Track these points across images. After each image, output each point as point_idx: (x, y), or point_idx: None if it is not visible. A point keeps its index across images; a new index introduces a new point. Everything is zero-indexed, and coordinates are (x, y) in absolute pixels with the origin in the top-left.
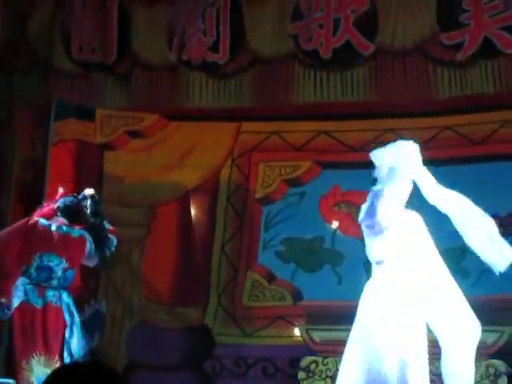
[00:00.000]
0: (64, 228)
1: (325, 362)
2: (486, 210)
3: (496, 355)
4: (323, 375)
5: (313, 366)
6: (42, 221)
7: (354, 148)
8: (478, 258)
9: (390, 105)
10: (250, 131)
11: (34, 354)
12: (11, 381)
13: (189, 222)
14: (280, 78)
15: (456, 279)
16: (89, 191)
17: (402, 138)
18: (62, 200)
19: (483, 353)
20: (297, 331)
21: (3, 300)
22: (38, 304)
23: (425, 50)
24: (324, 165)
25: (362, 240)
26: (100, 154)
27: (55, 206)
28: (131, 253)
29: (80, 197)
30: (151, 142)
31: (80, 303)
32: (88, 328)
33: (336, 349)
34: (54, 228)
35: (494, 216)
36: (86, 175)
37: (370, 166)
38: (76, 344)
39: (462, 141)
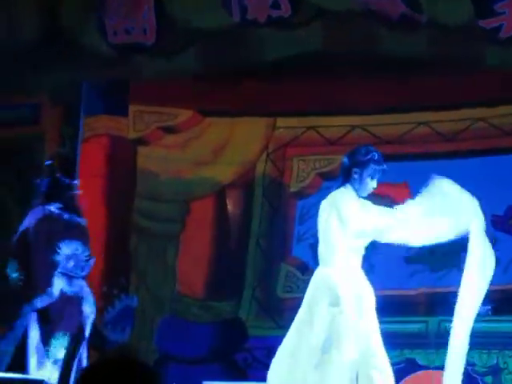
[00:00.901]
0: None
1: None
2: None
3: None
4: None
5: None
6: (53, 209)
7: (388, 141)
8: (508, 245)
9: (423, 98)
10: (285, 126)
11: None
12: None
13: (224, 216)
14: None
15: None
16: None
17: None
18: (41, 187)
19: None
20: None
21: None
22: (69, 293)
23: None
24: None
25: None
26: (133, 150)
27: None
28: (166, 248)
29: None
30: (185, 138)
31: (111, 298)
32: (118, 323)
33: None
34: (67, 216)
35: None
36: (119, 170)
37: (404, 158)
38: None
39: (495, 132)
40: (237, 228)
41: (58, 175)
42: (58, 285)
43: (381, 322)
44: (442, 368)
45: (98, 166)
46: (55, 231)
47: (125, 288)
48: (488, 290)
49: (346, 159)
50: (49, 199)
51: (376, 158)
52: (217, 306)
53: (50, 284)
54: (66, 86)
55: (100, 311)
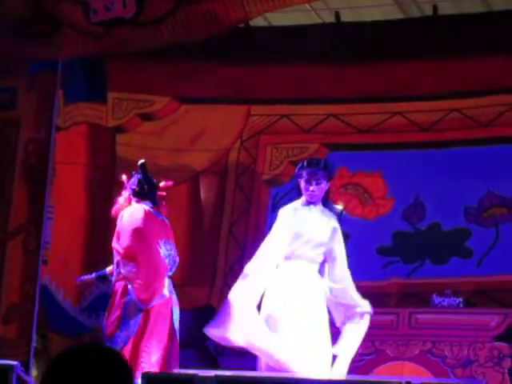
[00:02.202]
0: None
1: None
2: (492, 190)
3: (500, 338)
4: None
5: None
6: (149, 208)
7: (361, 130)
8: (482, 237)
9: (398, 87)
10: (260, 114)
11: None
12: None
13: (198, 203)
14: None
15: (460, 259)
16: (140, 162)
17: (410, 121)
18: (131, 185)
19: (487, 335)
20: None
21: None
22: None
23: None
24: (331, 146)
25: (369, 221)
26: (112, 137)
27: (127, 194)
28: None
29: (139, 173)
30: (162, 125)
31: (89, 285)
32: (94, 309)
33: None
34: (160, 216)
35: (500, 197)
36: (99, 159)
37: (378, 147)
38: None
39: (470, 123)
40: (210, 215)
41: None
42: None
43: None
44: (412, 359)
45: (77, 154)
46: (157, 231)
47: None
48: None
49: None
50: (140, 197)
51: (305, 163)
52: (189, 292)
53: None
54: (43, 71)
55: (77, 298)
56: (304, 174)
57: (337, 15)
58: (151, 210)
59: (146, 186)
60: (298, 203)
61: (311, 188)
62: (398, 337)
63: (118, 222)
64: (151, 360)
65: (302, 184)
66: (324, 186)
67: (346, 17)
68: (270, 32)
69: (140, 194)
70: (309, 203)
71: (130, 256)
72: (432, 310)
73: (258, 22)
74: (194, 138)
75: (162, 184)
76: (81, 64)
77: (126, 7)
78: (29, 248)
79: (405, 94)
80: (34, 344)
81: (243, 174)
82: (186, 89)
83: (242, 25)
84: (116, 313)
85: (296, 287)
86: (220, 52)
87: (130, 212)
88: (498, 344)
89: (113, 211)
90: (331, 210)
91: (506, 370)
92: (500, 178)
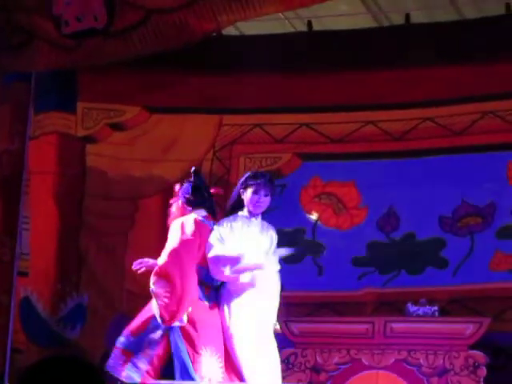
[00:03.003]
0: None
1: (304, 353)
2: (466, 200)
3: (475, 346)
4: (302, 367)
5: (292, 358)
6: (201, 219)
7: (334, 139)
8: (457, 247)
9: (370, 96)
10: (232, 124)
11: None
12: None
13: None
14: None
15: (435, 269)
16: (193, 168)
17: (382, 130)
18: (183, 193)
19: (462, 344)
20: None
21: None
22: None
23: None
24: (304, 156)
25: (343, 231)
26: (82, 147)
27: (180, 203)
28: (115, 246)
29: (192, 179)
30: (133, 135)
31: (63, 296)
32: (70, 320)
33: (315, 340)
34: (212, 226)
35: (474, 206)
36: (69, 168)
37: (351, 157)
38: None
39: (443, 131)
40: None
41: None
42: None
43: (327, 322)
44: (387, 368)
45: (47, 163)
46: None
47: (76, 286)
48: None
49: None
50: (193, 205)
51: (252, 175)
52: None
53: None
54: (16, 82)
55: (54, 309)
56: (252, 184)
57: (309, 24)
58: (204, 219)
59: (205, 193)
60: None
61: (261, 199)
62: (374, 346)
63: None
64: None
65: (248, 195)
66: (269, 199)
67: (319, 26)
68: (243, 41)
69: (193, 202)
70: (252, 215)
71: (164, 275)
72: (407, 318)
73: (230, 30)
74: (165, 149)
75: (212, 190)
76: (51, 74)
77: (98, 19)
78: (2, 259)
79: (377, 102)
80: (8, 356)
81: (217, 184)
82: (157, 98)
83: (214, 34)
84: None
85: None
86: (191, 61)
87: (178, 225)
88: (473, 352)
89: (168, 221)
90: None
91: (482, 379)
92: (474, 186)
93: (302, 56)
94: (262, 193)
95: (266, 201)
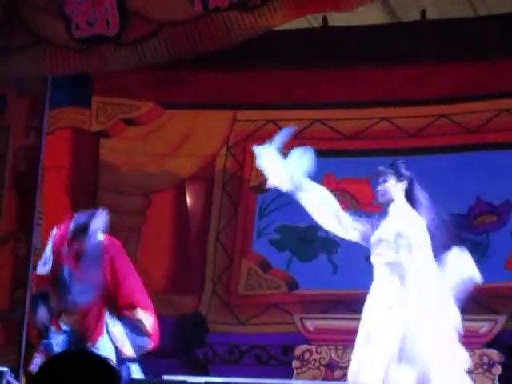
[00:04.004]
0: None
1: (318, 350)
2: (481, 198)
3: (490, 344)
4: (317, 364)
5: (307, 355)
6: None
7: (348, 136)
8: (473, 246)
9: (385, 93)
10: (246, 120)
11: None
12: None
13: (184, 210)
14: None
15: None
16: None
17: (397, 126)
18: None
19: (477, 342)
20: (291, 319)
21: None
22: None
23: None
24: (318, 153)
25: None
26: (96, 142)
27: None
28: (127, 241)
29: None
30: (146, 130)
31: None
32: None
33: (330, 337)
34: None
35: (489, 205)
36: (83, 163)
37: (365, 153)
38: None
39: (458, 129)
40: (197, 222)
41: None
42: None
43: (342, 319)
44: None
45: (61, 158)
46: None
47: None
48: None
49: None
50: None
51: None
52: (177, 300)
53: None
54: (32, 77)
55: None
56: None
57: (324, 19)
58: None
59: None
60: None
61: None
62: None
63: None
64: None
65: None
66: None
67: (334, 21)
68: (256, 37)
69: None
70: None
71: None
72: None
73: None
74: (179, 144)
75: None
76: None
77: (110, 25)
78: (19, 255)
79: (392, 99)
80: (23, 351)
81: (230, 180)
82: (171, 94)
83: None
84: None
85: None
86: (205, 57)
87: None
88: (488, 351)
89: None
90: None
91: (496, 377)
92: (489, 184)
93: (317, 52)
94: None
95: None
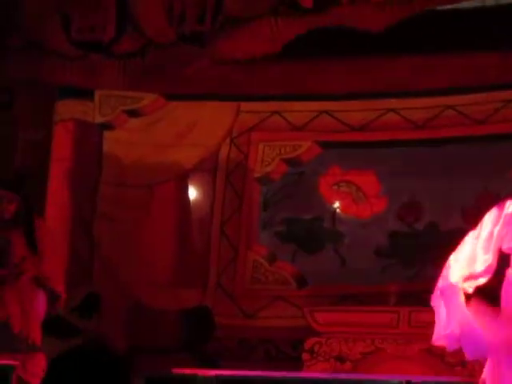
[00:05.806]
0: None
1: (328, 343)
2: (489, 189)
3: None
4: (327, 356)
5: (316, 347)
6: None
7: (354, 127)
8: None
9: (391, 84)
10: (250, 111)
11: None
12: None
13: (187, 201)
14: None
15: None
16: None
17: (403, 117)
18: None
19: None
20: (299, 313)
21: None
22: None
23: None
24: (324, 144)
25: (363, 220)
26: (99, 134)
27: None
28: (130, 233)
29: None
30: (149, 122)
31: (76, 284)
32: (85, 310)
33: (340, 329)
34: None
35: (497, 196)
36: (86, 155)
37: (371, 145)
38: None
39: (465, 120)
40: (201, 213)
41: None
42: None
43: (352, 312)
44: (412, 358)
45: (64, 150)
46: None
47: (89, 274)
48: None
49: None
50: None
51: None
52: (182, 293)
53: None
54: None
55: (67, 297)
56: None
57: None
58: None
59: None
60: None
61: None
62: (398, 335)
63: None
64: None
65: None
66: None
67: None
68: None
69: None
70: None
71: None
72: (432, 308)
73: None
74: (182, 135)
75: None
76: None
77: (106, 30)
78: None
79: (398, 90)
80: None
81: (234, 171)
82: (174, 85)
83: None
84: None
85: None
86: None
87: None
88: None
89: None
90: None
91: None
92: (496, 176)
93: (322, 43)
94: None
95: None
